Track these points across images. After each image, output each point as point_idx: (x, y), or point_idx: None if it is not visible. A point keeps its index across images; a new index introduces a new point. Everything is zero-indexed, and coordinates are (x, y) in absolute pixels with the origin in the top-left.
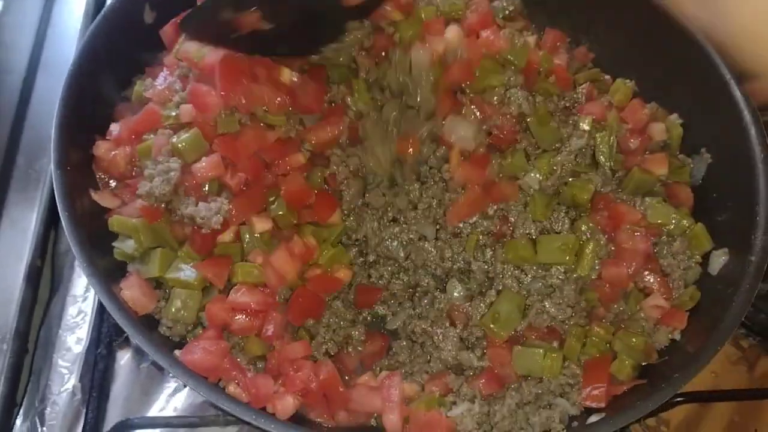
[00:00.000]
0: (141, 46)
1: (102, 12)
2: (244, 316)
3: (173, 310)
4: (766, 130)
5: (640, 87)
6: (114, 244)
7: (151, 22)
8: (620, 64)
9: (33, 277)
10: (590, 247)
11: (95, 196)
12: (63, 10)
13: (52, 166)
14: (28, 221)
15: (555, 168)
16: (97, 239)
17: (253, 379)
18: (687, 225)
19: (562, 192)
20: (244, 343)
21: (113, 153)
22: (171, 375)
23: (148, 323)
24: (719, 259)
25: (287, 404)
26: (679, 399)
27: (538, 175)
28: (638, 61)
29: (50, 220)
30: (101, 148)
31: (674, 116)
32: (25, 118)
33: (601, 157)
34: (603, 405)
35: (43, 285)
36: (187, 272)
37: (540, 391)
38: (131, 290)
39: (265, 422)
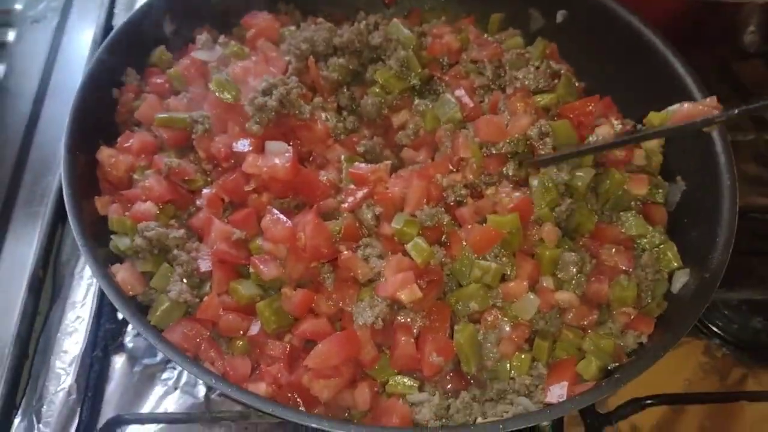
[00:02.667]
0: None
1: (126, 18)
2: (232, 317)
3: (157, 314)
4: None
5: (623, 113)
6: (112, 237)
7: (170, 32)
8: (605, 92)
9: (35, 286)
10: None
11: (97, 202)
12: (72, 39)
13: (62, 151)
14: (32, 234)
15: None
16: (99, 228)
17: (231, 359)
18: (659, 242)
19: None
20: (229, 342)
21: (114, 159)
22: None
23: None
24: (681, 279)
25: (259, 388)
26: (649, 402)
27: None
28: (621, 89)
29: (53, 233)
30: (104, 152)
31: (655, 143)
32: (33, 139)
33: (604, 191)
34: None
35: (44, 294)
36: (174, 290)
37: (504, 389)
38: (122, 273)
39: (244, 396)
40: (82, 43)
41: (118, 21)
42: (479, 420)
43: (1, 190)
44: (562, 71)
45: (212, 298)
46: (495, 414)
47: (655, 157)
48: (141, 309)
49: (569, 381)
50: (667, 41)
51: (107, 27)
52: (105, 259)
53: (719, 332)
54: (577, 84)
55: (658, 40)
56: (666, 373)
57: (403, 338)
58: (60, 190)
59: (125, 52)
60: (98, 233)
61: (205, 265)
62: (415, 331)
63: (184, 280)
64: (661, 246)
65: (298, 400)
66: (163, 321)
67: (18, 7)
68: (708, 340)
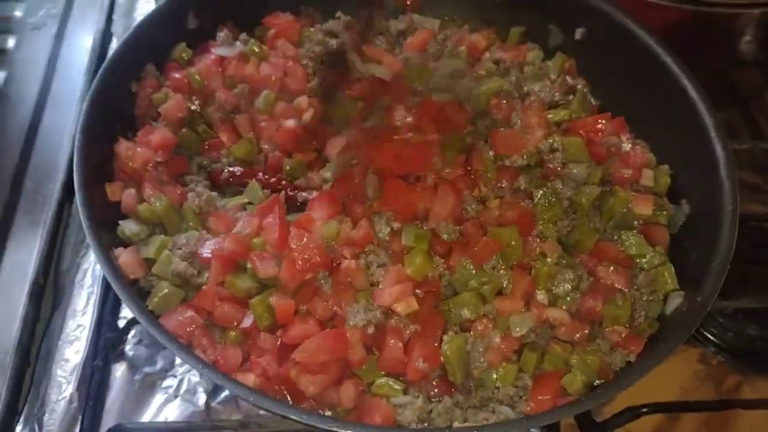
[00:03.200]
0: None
1: (149, 12)
2: (227, 308)
3: (155, 299)
4: None
5: (635, 133)
6: (120, 222)
7: (193, 28)
8: (619, 112)
9: (36, 294)
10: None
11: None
12: (71, 46)
13: (76, 135)
14: (32, 243)
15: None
16: (105, 214)
17: (222, 349)
18: (658, 262)
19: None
20: (222, 331)
21: (131, 151)
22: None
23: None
24: (675, 301)
25: (248, 379)
26: (644, 410)
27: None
28: (634, 110)
29: (54, 241)
30: (123, 145)
31: (665, 167)
32: (33, 146)
33: (608, 209)
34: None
35: (45, 302)
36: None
37: (488, 397)
38: (124, 256)
39: (231, 385)
40: (81, 49)
41: (117, 28)
42: (456, 424)
43: (1, 197)
44: (578, 86)
45: (211, 287)
46: (476, 421)
47: (663, 179)
48: (141, 296)
49: (553, 394)
50: (685, 67)
51: (106, 34)
52: (108, 244)
53: (714, 340)
54: (593, 102)
55: (675, 65)
56: (662, 380)
57: (391, 341)
58: (60, 197)
59: (147, 45)
60: (103, 220)
61: (206, 252)
62: (405, 335)
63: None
64: (659, 267)
65: (285, 393)
66: (161, 307)
67: (18, 14)
68: (703, 347)
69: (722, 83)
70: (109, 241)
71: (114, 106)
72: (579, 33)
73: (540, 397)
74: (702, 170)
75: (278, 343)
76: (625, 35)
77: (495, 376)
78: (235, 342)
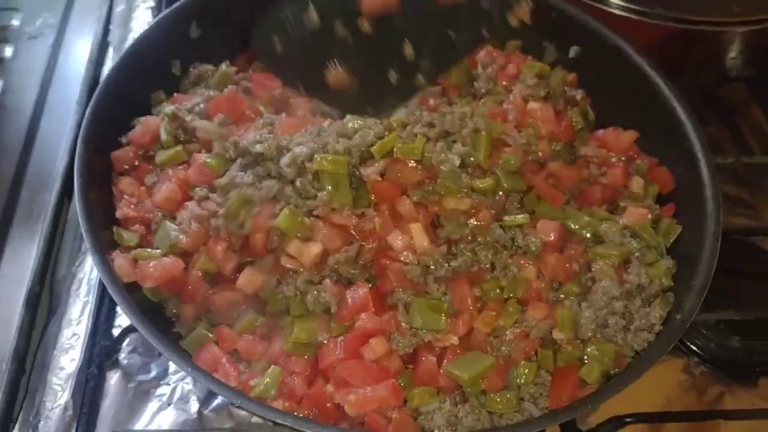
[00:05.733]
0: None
1: (154, 20)
2: (251, 338)
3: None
4: None
5: None
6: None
7: (195, 37)
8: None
9: (32, 302)
10: None
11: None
12: (69, 56)
13: (79, 141)
14: (29, 251)
15: None
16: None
17: (250, 374)
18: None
19: None
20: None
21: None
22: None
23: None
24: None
25: (276, 404)
26: (629, 420)
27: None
28: (624, 127)
29: (50, 250)
30: (126, 181)
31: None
32: (30, 156)
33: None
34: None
35: (41, 311)
36: None
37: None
38: (119, 259)
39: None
40: (78, 59)
41: (114, 38)
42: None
43: None
44: (578, 97)
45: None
46: (501, 419)
47: (651, 189)
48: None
49: (572, 386)
50: (674, 88)
51: (103, 43)
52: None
53: (698, 351)
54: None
55: (664, 86)
56: (647, 389)
57: (424, 357)
58: (57, 206)
59: (148, 54)
60: (101, 225)
61: None
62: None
63: None
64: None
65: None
66: (193, 346)
67: (15, 23)
68: (687, 358)
69: (709, 98)
70: (106, 247)
71: (115, 116)
72: (573, 51)
73: (559, 392)
74: (687, 190)
75: (307, 365)
76: (616, 55)
77: (516, 373)
78: (263, 370)
